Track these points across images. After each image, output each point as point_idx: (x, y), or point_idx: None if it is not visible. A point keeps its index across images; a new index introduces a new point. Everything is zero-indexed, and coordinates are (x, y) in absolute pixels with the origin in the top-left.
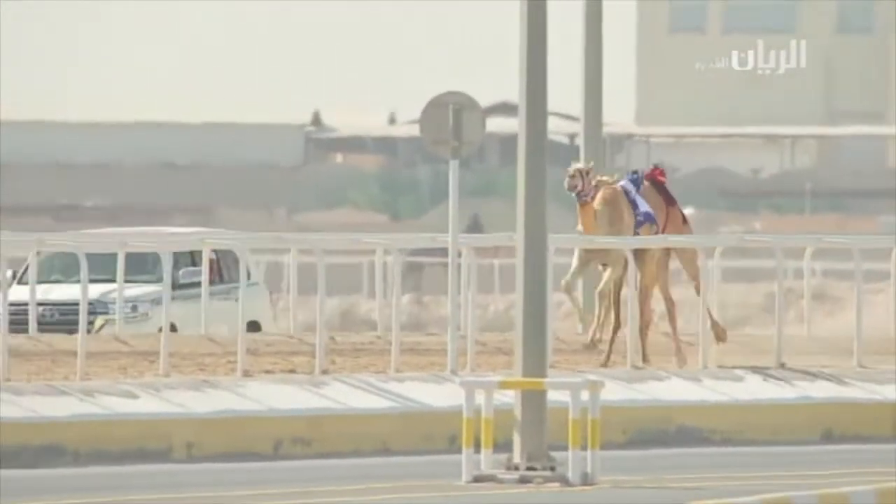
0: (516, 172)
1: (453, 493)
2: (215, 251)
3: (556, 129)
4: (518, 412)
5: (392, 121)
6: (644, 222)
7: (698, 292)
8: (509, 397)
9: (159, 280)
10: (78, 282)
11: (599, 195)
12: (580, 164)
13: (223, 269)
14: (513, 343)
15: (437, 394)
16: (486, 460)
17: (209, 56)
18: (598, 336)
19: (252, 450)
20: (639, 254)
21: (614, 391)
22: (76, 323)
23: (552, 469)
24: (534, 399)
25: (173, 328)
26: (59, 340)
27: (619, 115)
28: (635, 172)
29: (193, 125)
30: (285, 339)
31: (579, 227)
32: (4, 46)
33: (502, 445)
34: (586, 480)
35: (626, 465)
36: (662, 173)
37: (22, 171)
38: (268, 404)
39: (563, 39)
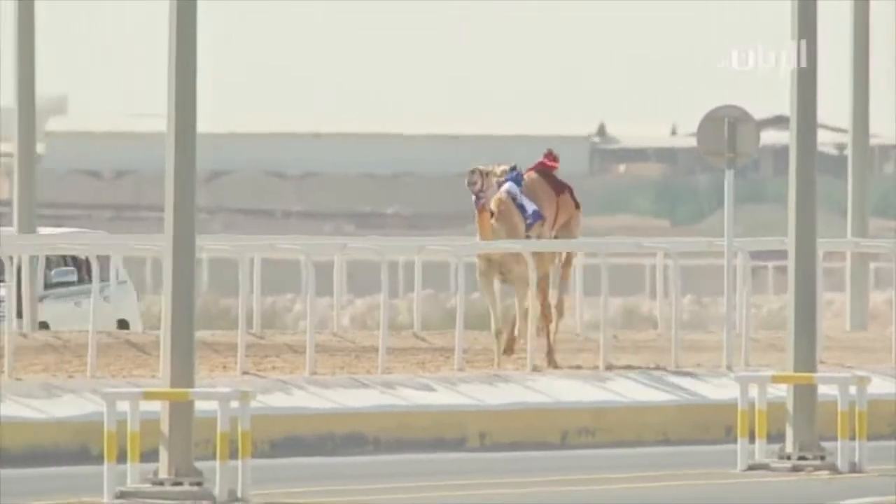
0: (787, 182)
1: (729, 481)
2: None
3: (826, 140)
4: (790, 405)
5: (673, 132)
6: (533, 223)
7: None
8: (781, 391)
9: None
10: None
11: (493, 207)
12: (481, 166)
13: (92, 267)
14: (784, 340)
15: (713, 387)
16: (760, 450)
17: (508, 71)
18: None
19: (540, 440)
20: (535, 254)
21: (880, 386)
22: None
23: (822, 458)
24: (804, 392)
25: (46, 326)
26: (361, 338)
27: (887, 125)
28: (514, 168)
29: (488, 136)
30: (572, 336)
31: (477, 237)
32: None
33: (775, 437)
34: (854, 469)
35: (892, 455)
36: (553, 159)
37: (329, 180)
38: (555, 397)
39: (831, 55)
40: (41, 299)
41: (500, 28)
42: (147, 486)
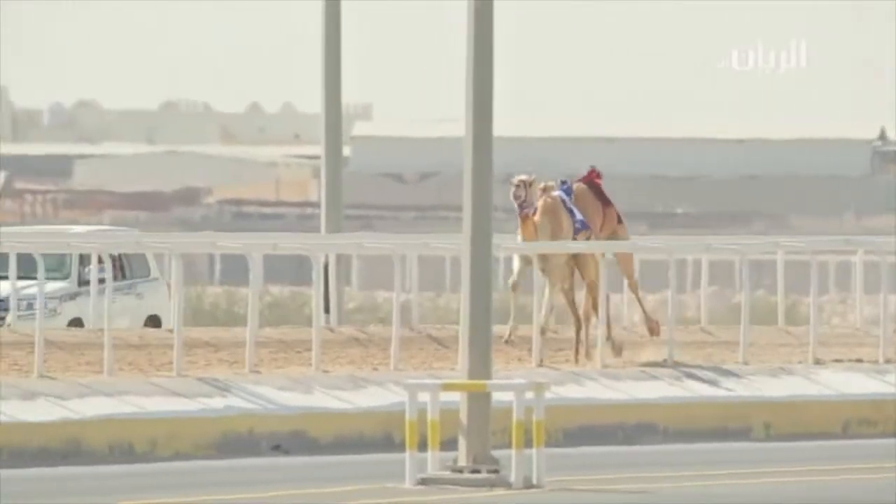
0: None
1: None
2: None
3: None
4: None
5: None
6: (581, 230)
7: (632, 289)
8: None
9: (66, 277)
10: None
11: (540, 205)
12: (524, 176)
13: (125, 265)
14: None
15: None
16: None
17: (793, 79)
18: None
19: (823, 430)
20: (580, 258)
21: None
22: None
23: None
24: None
25: (80, 323)
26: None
27: None
28: (564, 182)
29: (772, 141)
30: (852, 332)
31: (519, 238)
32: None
33: None
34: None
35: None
36: (598, 175)
37: (623, 181)
38: (837, 389)
39: None
40: (75, 296)
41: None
42: (446, 474)
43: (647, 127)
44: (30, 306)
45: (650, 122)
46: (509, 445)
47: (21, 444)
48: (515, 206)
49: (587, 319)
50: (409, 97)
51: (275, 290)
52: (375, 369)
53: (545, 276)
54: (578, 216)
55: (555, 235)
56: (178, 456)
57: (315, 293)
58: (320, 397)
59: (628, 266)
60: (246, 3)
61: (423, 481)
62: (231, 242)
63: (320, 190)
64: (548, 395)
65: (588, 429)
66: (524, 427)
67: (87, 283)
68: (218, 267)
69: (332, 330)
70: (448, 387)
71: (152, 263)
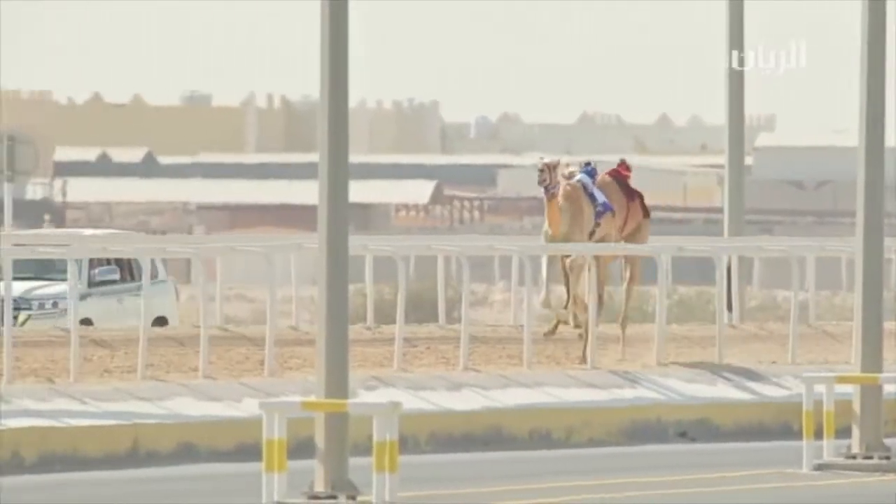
0: None
1: None
2: None
3: None
4: None
5: None
6: (604, 212)
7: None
8: None
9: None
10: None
11: (561, 192)
12: (548, 160)
13: (134, 267)
14: None
15: None
16: None
17: None
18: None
19: None
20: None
21: None
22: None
23: None
24: None
25: (89, 322)
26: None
27: None
28: (588, 164)
29: None
30: None
31: (546, 228)
32: None
33: None
34: None
35: None
36: (627, 168)
37: None
38: None
39: None
40: (85, 297)
41: None
42: (840, 460)
43: None
44: (41, 306)
45: None
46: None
47: (448, 431)
48: (541, 190)
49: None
50: (811, 108)
51: (682, 289)
52: (774, 363)
53: (571, 271)
54: (600, 199)
55: (575, 221)
56: (591, 442)
57: (718, 292)
58: (723, 388)
59: (636, 265)
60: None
61: (819, 467)
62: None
63: (724, 196)
64: None
65: None
66: None
67: (96, 283)
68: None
69: (734, 326)
70: (842, 379)
71: (160, 266)
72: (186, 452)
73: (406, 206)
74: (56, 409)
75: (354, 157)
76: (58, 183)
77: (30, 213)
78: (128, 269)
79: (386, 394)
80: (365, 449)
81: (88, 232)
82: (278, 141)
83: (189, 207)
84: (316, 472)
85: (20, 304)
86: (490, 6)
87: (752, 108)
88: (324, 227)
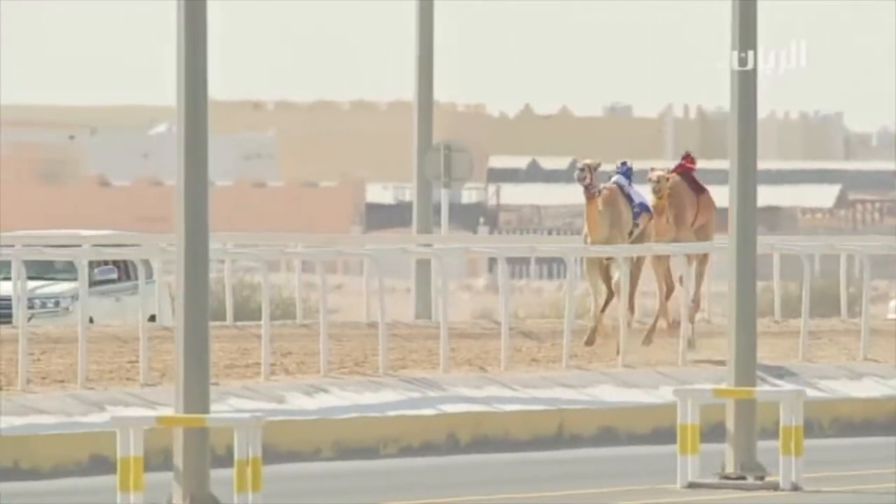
0: None
1: None
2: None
3: None
4: None
5: None
6: (641, 213)
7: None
8: None
9: (77, 278)
10: (8, 279)
11: (600, 197)
12: (588, 160)
13: (130, 267)
14: None
15: None
16: None
17: None
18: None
19: None
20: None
21: None
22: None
23: None
24: None
25: (90, 320)
26: None
27: None
28: (624, 163)
29: None
30: None
31: (585, 231)
32: None
33: None
34: None
35: None
36: (692, 160)
37: None
38: None
39: None
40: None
41: None
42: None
43: None
44: (43, 305)
45: None
46: None
47: (849, 417)
48: (582, 189)
49: (664, 309)
50: None
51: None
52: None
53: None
54: (638, 199)
55: (614, 224)
56: None
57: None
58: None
59: (663, 266)
60: None
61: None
62: None
63: None
64: None
65: None
66: None
67: (96, 283)
68: None
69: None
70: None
71: (155, 266)
72: (607, 436)
73: (812, 210)
74: (488, 396)
75: (763, 164)
76: (491, 188)
77: (465, 216)
78: (124, 270)
79: (791, 381)
80: (771, 433)
81: (86, 233)
82: (694, 149)
83: None
84: (726, 455)
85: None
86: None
87: None
88: (734, 228)
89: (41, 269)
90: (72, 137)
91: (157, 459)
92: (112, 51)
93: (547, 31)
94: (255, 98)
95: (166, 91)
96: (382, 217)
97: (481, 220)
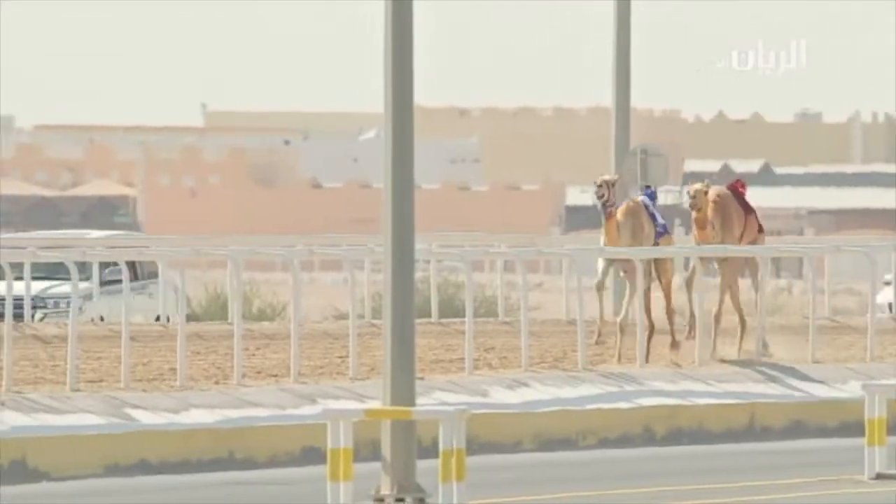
0: None
1: None
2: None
3: None
4: None
5: None
6: (663, 234)
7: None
8: None
9: (89, 278)
10: (20, 279)
11: (622, 208)
12: (607, 177)
13: (138, 268)
14: None
15: None
16: None
17: None
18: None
19: None
20: (659, 262)
21: None
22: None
23: None
24: None
25: (102, 319)
26: None
27: None
28: (648, 187)
29: None
30: None
31: (603, 237)
32: None
33: None
34: None
35: None
36: (743, 185)
37: None
38: None
39: None
40: (92, 296)
41: None
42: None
43: None
44: (56, 304)
45: None
46: None
47: None
48: (599, 205)
49: (671, 317)
50: None
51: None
52: None
53: (626, 278)
54: (660, 220)
55: (635, 236)
56: None
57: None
58: None
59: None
60: None
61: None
62: None
63: None
64: None
65: None
66: None
67: (106, 283)
68: None
69: None
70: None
71: (161, 266)
72: (796, 429)
73: None
74: (683, 390)
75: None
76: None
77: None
78: (133, 270)
79: None
80: None
81: (95, 234)
82: (881, 152)
83: (800, 212)
84: None
85: (36, 303)
86: None
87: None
88: None
89: (51, 270)
90: (287, 142)
91: (365, 450)
92: (325, 60)
93: (739, 38)
94: (460, 105)
95: (376, 99)
96: (581, 219)
97: (677, 221)
